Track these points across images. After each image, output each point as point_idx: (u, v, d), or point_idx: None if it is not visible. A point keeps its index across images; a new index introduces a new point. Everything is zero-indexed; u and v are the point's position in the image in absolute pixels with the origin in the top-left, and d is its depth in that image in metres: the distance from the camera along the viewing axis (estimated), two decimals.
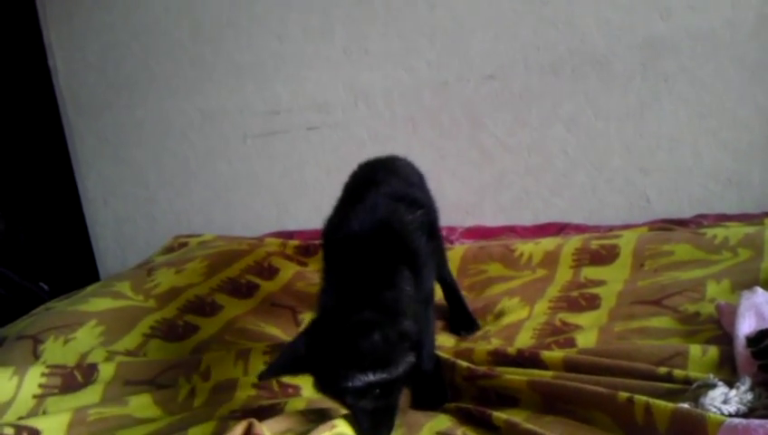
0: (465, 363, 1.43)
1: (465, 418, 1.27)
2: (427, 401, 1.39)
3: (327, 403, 1.35)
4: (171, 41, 2.87)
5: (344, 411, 1.26)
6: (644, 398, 1.14)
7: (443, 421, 1.26)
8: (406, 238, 1.40)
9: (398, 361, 1.19)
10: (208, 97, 2.87)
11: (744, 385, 1.16)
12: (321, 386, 1.22)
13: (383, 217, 1.41)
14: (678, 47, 2.31)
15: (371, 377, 1.16)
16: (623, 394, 1.17)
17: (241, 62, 2.80)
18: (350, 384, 1.16)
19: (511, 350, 1.47)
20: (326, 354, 1.17)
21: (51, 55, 3.02)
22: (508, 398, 1.34)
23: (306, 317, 1.89)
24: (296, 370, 1.26)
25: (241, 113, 2.84)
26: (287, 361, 1.23)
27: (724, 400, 1.14)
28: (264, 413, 1.27)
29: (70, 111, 3.06)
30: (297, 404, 1.37)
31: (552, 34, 2.41)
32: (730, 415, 1.10)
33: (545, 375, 1.35)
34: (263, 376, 1.25)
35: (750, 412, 1.12)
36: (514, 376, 1.35)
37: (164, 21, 2.87)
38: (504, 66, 2.48)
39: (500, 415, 1.20)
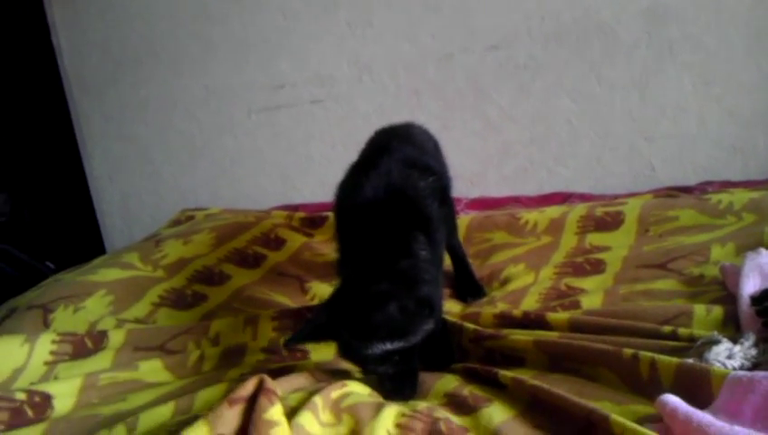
0: (471, 326, 1.44)
1: (471, 377, 1.28)
2: (435, 363, 1.40)
3: (336, 365, 1.38)
4: (175, 18, 2.87)
5: (357, 375, 1.28)
6: (649, 354, 1.15)
7: (450, 381, 1.28)
8: (419, 204, 1.41)
9: (417, 329, 1.21)
10: (213, 73, 2.87)
11: (749, 341, 1.17)
12: (344, 353, 1.26)
13: (396, 184, 1.42)
14: (683, 14, 2.31)
15: (389, 346, 1.19)
16: (628, 351, 1.18)
17: (245, 38, 2.80)
18: (369, 353, 1.19)
19: (516, 312, 1.48)
20: (346, 325, 1.20)
21: (55, 34, 3.02)
22: (514, 358, 1.35)
23: (313, 286, 1.91)
24: (319, 337, 1.30)
25: (245, 89, 2.85)
26: (311, 329, 1.26)
27: (728, 355, 1.14)
28: (274, 375, 1.28)
29: (75, 89, 3.07)
30: (306, 367, 1.38)
31: (557, 4, 2.41)
32: (734, 369, 1.11)
33: (551, 336, 1.36)
34: (288, 343, 1.28)
35: (754, 367, 1.12)
36: (520, 336, 1.36)
37: None
38: (508, 37, 2.48)
39: (506, 373, 1.21)
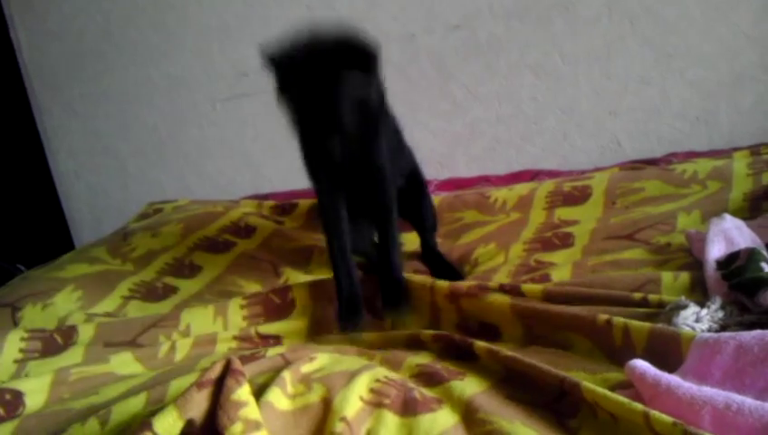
0: (446, 283, 1.45)
1: (445, 351, 1.29)
2: (394, 301, 1.48)
3: (308, 351, 1.37)
4: (133, 7, 2.82)
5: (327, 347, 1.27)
6: (622, 320, 1.16)
7: (423, 357, 1.28)
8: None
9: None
10: (174, 62, 2.84)
11: (715, 304, 1.18)
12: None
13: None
14: None
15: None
16: (602, 316, 1.19)
17: (205, 25, 2.77)
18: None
19: (492, 284, 1.47)
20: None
21: (13, 28, 2.96)
22: (490, 327, 1.36)
23: (286, 271, 1.89)
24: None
25: (209, 77, 2.82)
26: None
27: (696, 319, 1.16)
28: (246, 361, 1.28)
29: (35, 84, 3.01)
30: (278, 351, 1.38)
31: None
32: (702, 332, 1.12)
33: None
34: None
35: (722, 329, 1.14)
36: (497, 298, 1.36)
37: None
38: (470, 15, 2.48)
39: (481, 344, 1.22)
